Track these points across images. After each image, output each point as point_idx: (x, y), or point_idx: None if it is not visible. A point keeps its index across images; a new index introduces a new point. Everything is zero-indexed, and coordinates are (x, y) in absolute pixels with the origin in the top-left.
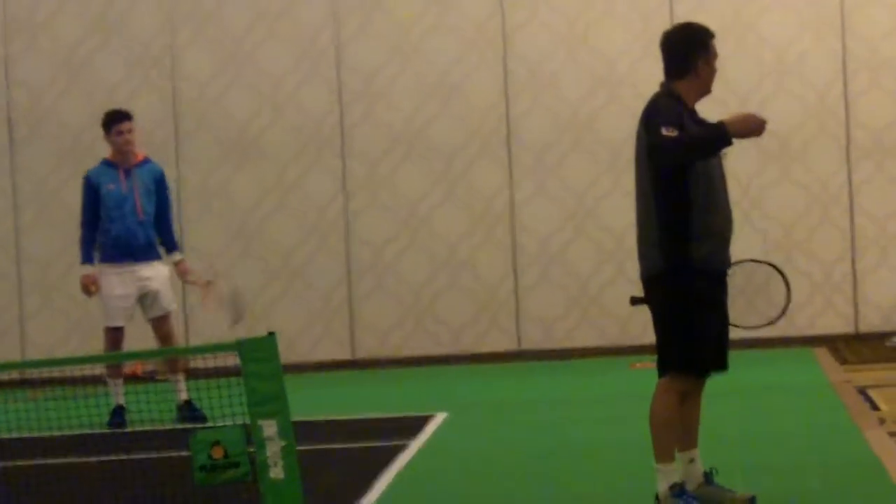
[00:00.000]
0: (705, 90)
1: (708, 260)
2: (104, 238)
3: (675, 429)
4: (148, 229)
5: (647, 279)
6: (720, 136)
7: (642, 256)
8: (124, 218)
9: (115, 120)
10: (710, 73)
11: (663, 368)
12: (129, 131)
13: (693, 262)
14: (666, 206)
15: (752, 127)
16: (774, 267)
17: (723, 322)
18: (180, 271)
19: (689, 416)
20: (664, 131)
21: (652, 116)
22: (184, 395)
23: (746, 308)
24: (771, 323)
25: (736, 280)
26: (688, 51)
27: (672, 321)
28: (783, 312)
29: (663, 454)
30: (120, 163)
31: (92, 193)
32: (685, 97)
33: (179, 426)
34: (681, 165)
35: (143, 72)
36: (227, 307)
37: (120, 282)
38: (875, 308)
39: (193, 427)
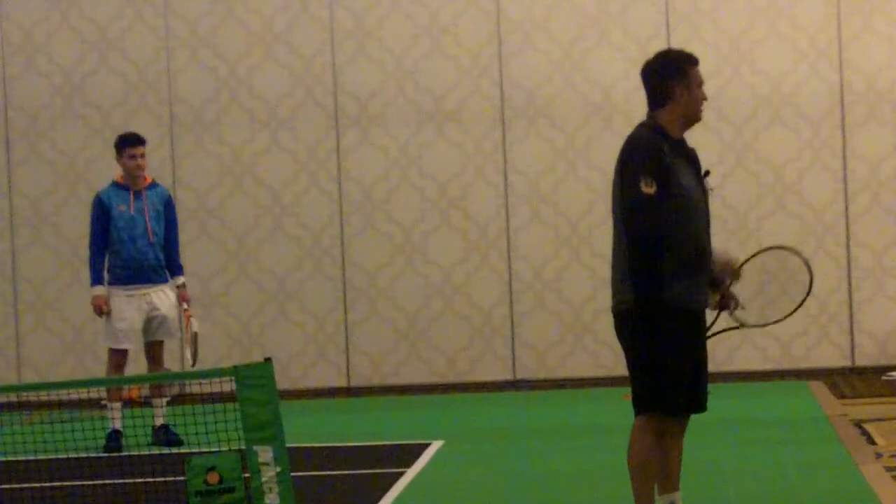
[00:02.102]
0: (691, 118)
1: (680, 299)
2: (114, 259)
3: (652, 470)
4: (158, 251)
5: (617, 314)
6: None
7: (614, 290)
8: (135, 240)
9: (129, 143)
10: (692, 100)
11: (636, 407)
12: (142, 156)
13: (664, 302)
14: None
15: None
16: (788, 248)
17: (698, 362)
18: (180, 296)
19: (669, 457)
20: (643, 186)
21: (630, 157)
22: (161, 420)
23: (779, 297)
24: (798, 307)
25: (767, 267)
26: (664, 78)
27: (641, 359)
28: (808, 292)
29: (641, 497)
30: (130, 185)
31: (103, 214)
32: (668, 128)
33: (175, 451)
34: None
35: (140, 95)
36: (192, 346)
37: (129, 304)
38: (871, 339)
39: (189, 452)
